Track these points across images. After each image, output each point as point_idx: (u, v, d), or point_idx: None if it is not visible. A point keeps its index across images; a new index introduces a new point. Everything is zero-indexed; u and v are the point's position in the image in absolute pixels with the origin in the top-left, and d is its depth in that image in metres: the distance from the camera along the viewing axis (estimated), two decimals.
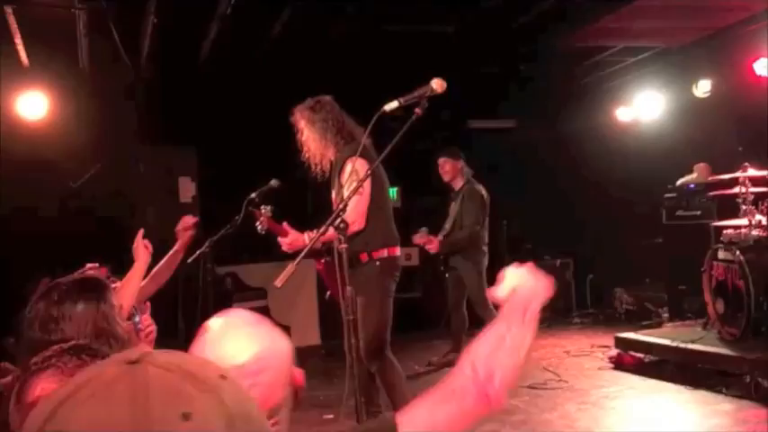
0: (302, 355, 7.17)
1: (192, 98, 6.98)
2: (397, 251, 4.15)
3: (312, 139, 4.19)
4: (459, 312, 6.59)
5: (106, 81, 6.60)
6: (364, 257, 4.01)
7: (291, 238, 3.92)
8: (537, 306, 1.51)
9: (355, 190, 3.05)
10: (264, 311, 7.60)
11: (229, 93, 7.38)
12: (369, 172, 3.27)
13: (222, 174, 7.16)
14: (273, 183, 4.45)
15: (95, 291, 2.06)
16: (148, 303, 3.59)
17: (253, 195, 4.44)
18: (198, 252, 4.56)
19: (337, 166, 4.11)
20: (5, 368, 2.77)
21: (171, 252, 3.59)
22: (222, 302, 7.45)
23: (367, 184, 3.71)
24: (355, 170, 3.75)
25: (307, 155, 4.25)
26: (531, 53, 7.44)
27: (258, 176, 4.51)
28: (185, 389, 0.69)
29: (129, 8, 5.43)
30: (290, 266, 2.46)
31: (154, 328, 3.15)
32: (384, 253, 4.05)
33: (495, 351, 1.44)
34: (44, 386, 1.49)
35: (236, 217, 4.45)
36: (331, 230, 3.07)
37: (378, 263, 4.03)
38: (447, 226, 6.68)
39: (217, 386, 0.71)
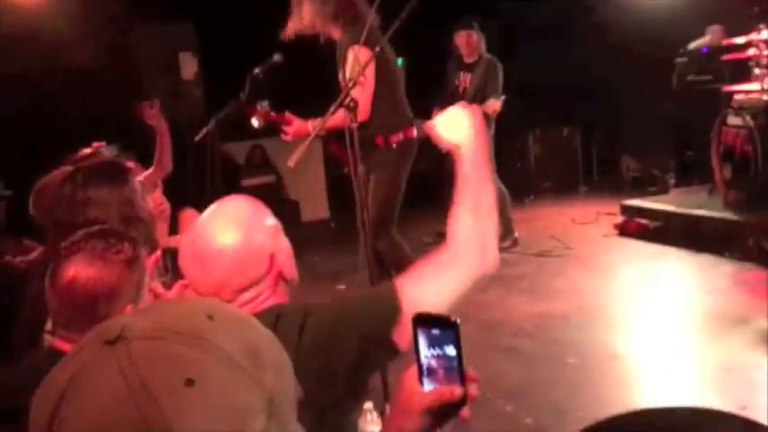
0: (312, 229, 7.36)
1: None
2: (413, 132, 4.08)
3: (309, 13, 4.01)
4: None
5: None
6: (380, 141, 3.99)
7: (295, 127, 3.88)
8: (485, 154, 1.62)
9: (355, 82, 3.00)
10: (274, 187, 7.69)
11: None
12: (369, 61, 3.22)
13: (225, 49, 7.01)
14: (277, 57, 4.35)
15: (119, 176, 2.09)
16: (160, 182, 3.64)
17: (256, 71, 4.36)
18: (204, 130, 4.54)
19: (341, 51, 4.00)
20: (29, 246, 2.85)
21: (157, 137, 3.61)
22: (231, 179, 7.54)
23: (369, 73, 3.66)
24: (357, 59, 3.62)
25: (299, 27, 4.05)
26: None
27: (262, 51, 4.41)
28: (177, 352, 0.65)
29: None
30: (302, 146, 2.46)
31: (167, 206, 3.21)
32: (400, 136, 4.02)
33: (477, 215, 1.53)
34: (76, 269, 1.54)
35: (241, 93, 4.39)
36: (338, 115, 3.07)
37: (394, 146, 4.01)
38: (467, 97, 6.56)
39: (207, 332, 0.66)
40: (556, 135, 8.76)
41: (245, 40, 6.85)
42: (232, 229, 1.48)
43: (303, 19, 4.00)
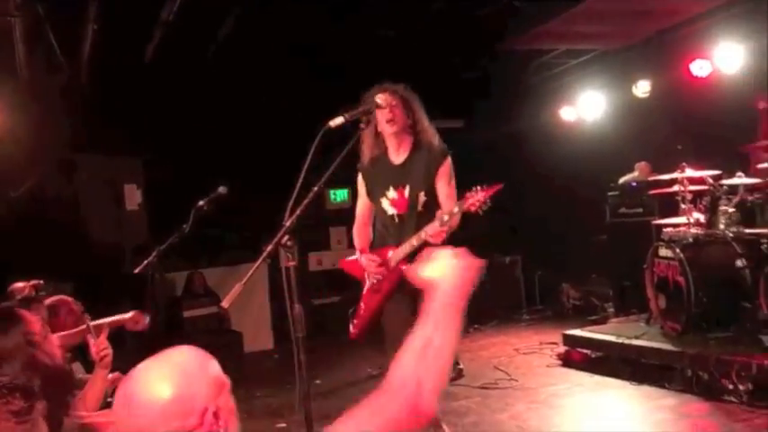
0: (255, 360, 7.17)
1: (136, 104, 6.87)
2: None
3: (409, 122, 3.84)
4: None
5: (46, 90, 6.45)
6: None
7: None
8: (462, 302, 1.53)
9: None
10: (216, 317, 7.54)
11: (175, 98, 7.30)
12: None
13: (170, 180, 7.08)
14: (222, 189, 4.43)
15: (5, 324, 2.01)
16: (107, 328, 3.52)
17: (201, 203, 4.43)
18: (145, 262, 4.50)
19: (420, 164, 3.81)
20: None
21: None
22: (172, 311, 7.39)
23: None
24: (451, 165, 3.83)
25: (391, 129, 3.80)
26: (478, 55, 7.54)
27: (207, 182, 4.48)
28: None
29: (67, 15, 5.30)
30: (238, 286, 2.45)
31: (110, 352, 3.11)
32: None
33: (422, 358, 1.44)
34: None
35: (184, 225, 4.41)
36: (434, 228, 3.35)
37: None
38: None
39: None
40: (498, 263, 8.93)
41: (191, 173, 6.98)
42: (168, 380, 1.44)
43: (394, 124, 3.76)
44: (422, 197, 3.78)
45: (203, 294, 7.71)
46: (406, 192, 3.81)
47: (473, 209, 3.37)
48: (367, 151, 3.92)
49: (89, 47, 5.95)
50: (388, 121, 3.76)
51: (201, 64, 7.13)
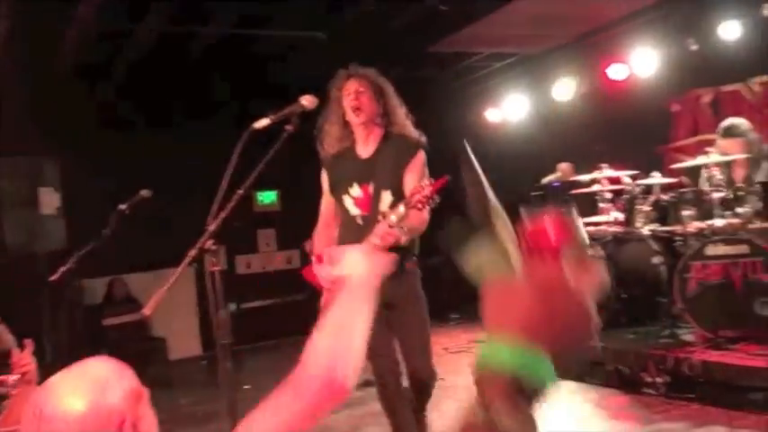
0: (182, 367, 6.99)
1: (54, 106, 6.61)
2: None
3: (378, 111, 3.47)
4: None
5: None
6: (411, 265, 3.49)
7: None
8: (371, 290, 1.51)
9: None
10: (139, 324, 7.33)
11: (96, 97, 7.08)
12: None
13: (90, 183, 6.85)
14: (144, 193, 4.31)
15: None
16: (30, 342, 3.35)
17: (122, 206, 4.29)
18: (62, 269, 4.33)
19: (388, 158, 3.42)
20: None
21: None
22: (92, 319, 7.15)
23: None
24: (425, 162, 3.41)
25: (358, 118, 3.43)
26: (402, 58, 7.59)
27: (130, 186, 4.35)
28: None
29: None
30: (160, 293, 2.38)
31: (33, 367, 2.95)
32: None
33: (335, 337, 1.43)
34: None
35: (105, 230, 4.27)
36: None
37: (417, 269, 3.57)
38: None
39: None
40: (423, 265, 8.99)
41: (111, 175, 6.77)
42: (81, 393, 1.40)
43: (361, 112, 3.41)
44: (387, 196, 3.36)
45: (125, 301, 7.48)
46: (371, 189, 3.40)
47: (420, 206, 3.03)
48: (333, 143, 3.54)
49: (3, 47, 5.70)
50: (353, 110, 3.39)
51: (123, 63, 6.94)
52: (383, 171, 3.36)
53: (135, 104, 7.39)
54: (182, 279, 2.55)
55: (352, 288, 1.52)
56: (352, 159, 3.47)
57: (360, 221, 3.41)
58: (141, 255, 7.34)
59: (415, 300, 3.52)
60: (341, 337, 1.43)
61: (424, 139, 3.47)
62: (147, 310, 2.38)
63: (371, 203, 3.36)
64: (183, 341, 7.95)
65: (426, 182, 3.08)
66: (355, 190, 3.44)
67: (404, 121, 3.49)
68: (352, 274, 1.53)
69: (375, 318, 3.06)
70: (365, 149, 3.47)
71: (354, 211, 3.45)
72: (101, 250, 4.37)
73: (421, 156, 3.38)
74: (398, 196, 3.28)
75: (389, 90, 3.50)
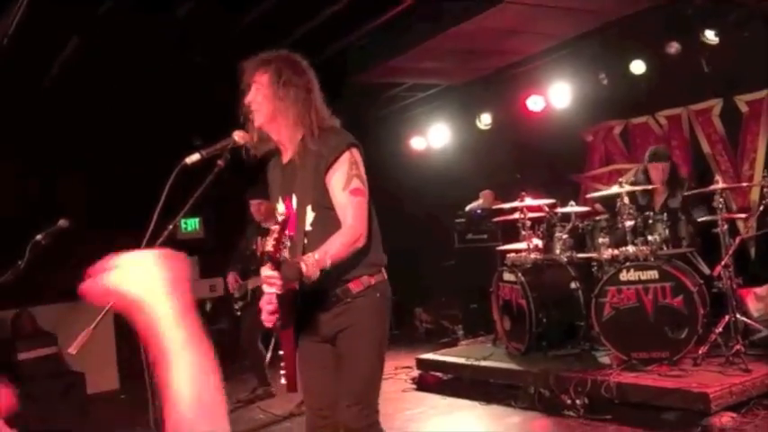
0: (99, 402, 6.76)
1: None
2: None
3: (281, 107, 2.77)
4: (255, 347, 6.37)
5: None
6: (358, 285, 2.78)
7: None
8: (183, 301, 1.11)
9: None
10: (53, 358, 7.02)
11: (13, 123, 6.83)
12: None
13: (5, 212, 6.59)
14: (62, 222, 4.18)
15: None
16: None
17: (39, 237, 4.15)
18: None
19: (308, 165, 2.77)
20: None
21: None
22: (3, 354, 6.81)
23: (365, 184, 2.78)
24: (357, 162, 2.77)
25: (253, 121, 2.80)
26: (327, 88, 7.67)
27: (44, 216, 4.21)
28: None
29: None
30: (87, 331, 2.32)
31: None
32: (384, 275, 2.93)
33: (202, 387, 1.04)
34: None
35: (19, 261, 4.12)
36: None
37: (378, 290, 2.85)
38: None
39: None
40: None
41: (29, 203, 6.53)
42: None
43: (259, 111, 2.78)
44: (309, 212, 2.75)
45: (35, 335, 7.15)
46: (294, 204, 2.80)
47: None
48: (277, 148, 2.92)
49: None
50: (251, 107, 2.76)
51: (39, 88, 6.74)
52: (304, 181, 2.77)
53: (57, 128, 7.16)
54: (98, 311, 2.41)
55: (171, 309, 1.08)
56: (279, 167, 2.92)
57: (287, 243, 2.64)
58: (49, 286, 7.06)
59: (356, 334, 2.76)
60: (206, 385, 1.05)
61: (349, 138, 2.87)
62: (72, 349, 2.31)
63: (296, 221, 2.76)
64: (101, 375, 7.67)
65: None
66: (280, 205, 2.86)
67: (327, 117, 2.90)
68: (131, 284, 1.11)
69: (309, 355, 2.85)
70: (285, 155, 2.88)
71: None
72: (7, 281, 4.21)
73: (345, 157, 2.75)
74: (324, 211, 2.74)
75: (308, 79, 2.92)
